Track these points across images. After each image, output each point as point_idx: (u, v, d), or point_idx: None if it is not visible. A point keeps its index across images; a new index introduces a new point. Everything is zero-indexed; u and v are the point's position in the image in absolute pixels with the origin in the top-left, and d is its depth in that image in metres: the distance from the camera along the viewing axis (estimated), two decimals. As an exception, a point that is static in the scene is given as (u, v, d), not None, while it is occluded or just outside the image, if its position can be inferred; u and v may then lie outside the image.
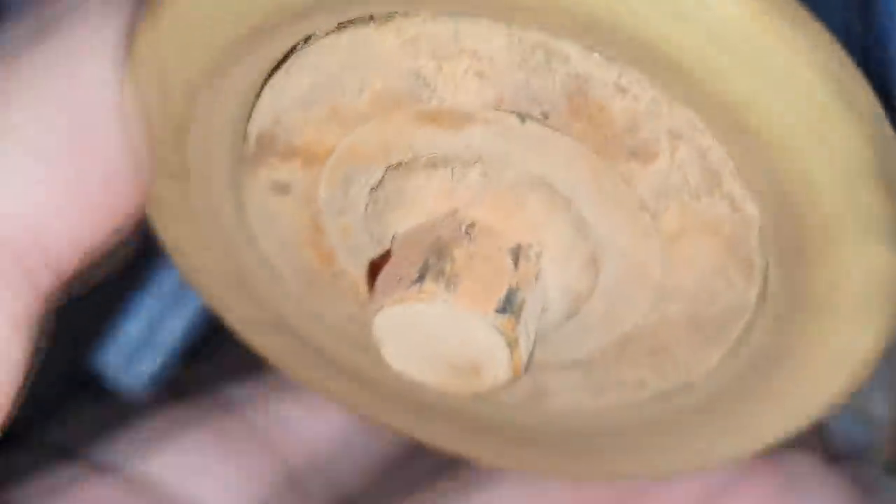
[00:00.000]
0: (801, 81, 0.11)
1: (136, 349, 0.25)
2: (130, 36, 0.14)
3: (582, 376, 0.16)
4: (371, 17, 0.13)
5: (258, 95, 0.14)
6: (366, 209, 0.14)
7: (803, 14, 0.11)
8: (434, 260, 0.13)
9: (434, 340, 0.13)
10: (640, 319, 0.14)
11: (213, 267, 0.16)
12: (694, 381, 0.15)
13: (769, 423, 0.15)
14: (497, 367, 0.13)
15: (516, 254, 0.13)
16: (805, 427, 0.15)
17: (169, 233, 0.16)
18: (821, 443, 0.23)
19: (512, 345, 0.13)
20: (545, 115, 0.13)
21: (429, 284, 0.13)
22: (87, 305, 0.19)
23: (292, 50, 0.13)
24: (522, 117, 0.13)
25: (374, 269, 0.14)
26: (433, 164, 0.14)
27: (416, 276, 0.13)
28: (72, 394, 0.24)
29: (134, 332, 0.25)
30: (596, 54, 0.12)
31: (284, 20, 0.13)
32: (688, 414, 0.15)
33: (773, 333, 0.14)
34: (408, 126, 0.13)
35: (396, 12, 0.12)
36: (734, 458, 0.16)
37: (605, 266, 0.14)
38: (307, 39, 0.13)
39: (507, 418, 0.17)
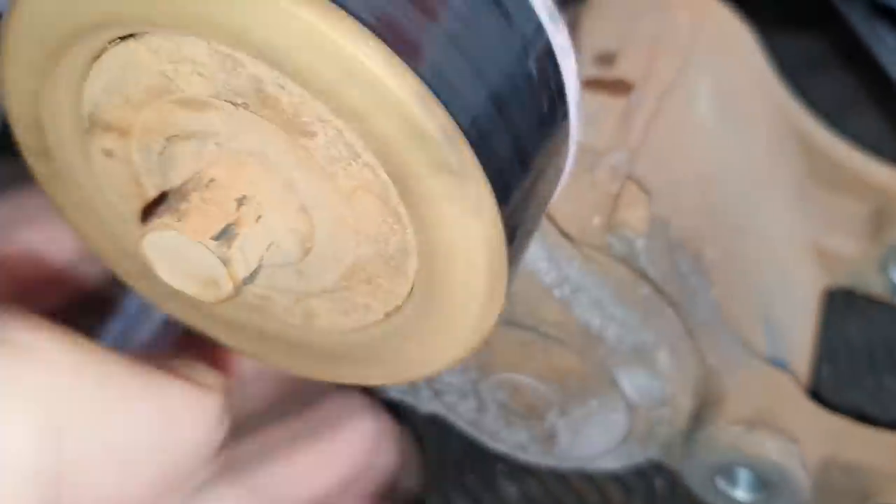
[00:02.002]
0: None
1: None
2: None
3: (331, 302, 0.20)
4: (132, 35, 0.17)
5: (82, 86, 0.19)
6: (158, 169, 0.19)
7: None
8: (175, 202, 0.18)
9: (181, 260, 0.18)
10: (352, 257, 0.19)
11: (81, 214, 0.22)
12: (400, 304, 0.19)
13: (444, 339, 0.20)
14: (222, 280, 0.18)
15: (240, 202, 0.18)
16: (467, 349, 0.20)
17: (53, 196, 0.22)
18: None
19: (227, 264, 0.17)
20: (246, 104, 0.17)
21: (167, 219, 0.17)
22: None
23: (99, 54, 0.18)
24: (235, 105, 0.17)
25: (147, 211, 0.20)
26: (189, 137, 0.18)
27: (161, 213, 0.18)
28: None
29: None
30: (260, 62, 0.16)
31: (79, 36, 0.17)
32: (403, 330, 0.20)
33: (430, 269, 0.18)
34: (172, 109, 0.18)
35: (146, 32, 0.17)
36: (444, 365, 0.20)
37: (316, 215, 0.18)
38: (103, 49, 0.18)
39: (290, 333, 0.21)
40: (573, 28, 0.35)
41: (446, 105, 0.16)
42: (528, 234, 0.20)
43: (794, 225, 0.37)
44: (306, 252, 0.19)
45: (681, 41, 0.34)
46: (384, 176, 0.17)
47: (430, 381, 0.31)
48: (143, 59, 0.17)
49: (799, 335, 0.36)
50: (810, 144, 0.38)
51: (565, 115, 0.19)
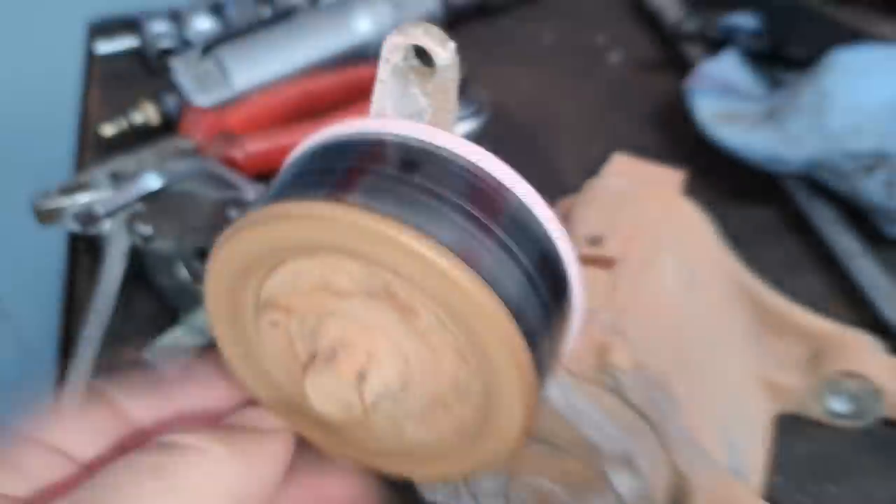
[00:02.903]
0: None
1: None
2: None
3: (416, 421, 0.29)
4: (305, 253, 0.27)
5: (264, 283, 0.28)
6: (309, 336, 0.28)
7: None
8: (329, 357, 0.27)
9: (330, 394, 0.27)
10: (434, 390, 0.28)
11: (251, 372, 0.31)
12: (465, 422, 0.28)
13: (495, 446, 0.28)
14: (356, 407, 0.27)
15: (368, 356, 0.27)
16: (511, 451, 0.28)
17: (227, 354, 0.31)
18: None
19: (361, 397, 0.27)
20: (377, 296, 0.26)
21: (321, 368, 0.27)
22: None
23: (280, 265, 0.27)
24: (371, 296, 0.27)
25: (307, 364, 0.28)
26: (335, 314, 0.27)
27: (320, 364, 0.27)
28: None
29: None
30: (390, 274, 0.26)
31: (270, 262, 0.27)
32: (464, 439, 0.29)
33: (487, 398, 0.27)
34: (325, 297, 0.27)
35: (316, 253, 0.26)
36: (490, 465, 0.29)
37: (413, 363, 0.27)
38: (285, 262, 0.27)
39: (385, 444, 0.30)
40: (567, 215, 0.46)
41: (498, 293, 0.26)
42: (550, 373, 0.29)
43: (747, 364, 0.47)
44: (405, 387, 0.29)
45: (653, 227, 0.45)
46: (462, 340, 0.26)
47: (469, 487, 0.40)
48: (312, 268, 0.27)
49: (754, 452, 0.45)
50: (758, 301, 0.48)
51: (570, 293, 0.29)
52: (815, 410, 0.47)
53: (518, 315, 0.26)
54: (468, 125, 0.65)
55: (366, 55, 0.69)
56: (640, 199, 0.46)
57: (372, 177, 0.26)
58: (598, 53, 0.78)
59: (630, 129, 0.68)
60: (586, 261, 0.42)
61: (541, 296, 0.27)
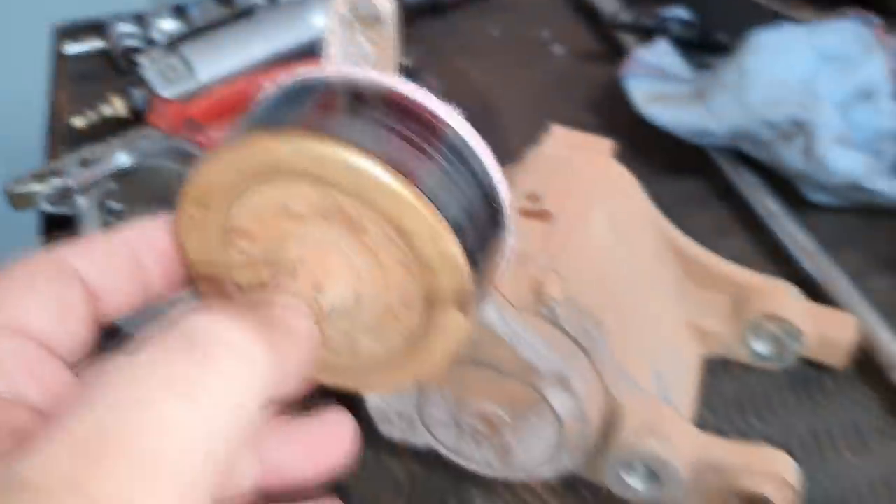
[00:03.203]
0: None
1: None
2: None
3: (369, 334, 0.32)
4: (265, 180, 0.29)
5: (230, 213, 0.31)
6: (272, 259, 0.31)
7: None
8: (291, 273, 0.30)
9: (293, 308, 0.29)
10: (385, 302, 0.31)
11: (215, 289, 0.33)
12: (412, 330, 0.31)
13: (440, 353, 0.32)
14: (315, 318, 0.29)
15: (325, 272, 0.30)
16: (453, 355, 0.32)
17: (197, 270, 0.33)
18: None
19: (319, 309, 0.29)
20: (331, 217, 0.29)
21: (282, 283, 0.30)
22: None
23: (244, 192, 0.30)
24: (325, 217, 0.29)
25: (273, 281, 0.31)
26: (293, 237, 0.30)
27: (283, 279, 0.30)
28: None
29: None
30: (340, 194, 0.29)
31: (237, 189, 0.30)
32: (415, 347, 0.32)
33: (430, 307, 0.30)
34: (285, 221, 0.30)
35: (274, 180, 0.29)
36: (436, 370, 0.33)
37: (365, 277, 0.30)
38: (249, 189, 0.30)
39: (341, 360, 0.33)
40: (510, 178, 0.50)
41: (439, 209, 0.30)
42: (486, 286, 0.33)
43: (674, 310, 0.51)
44: (358, 300, 0.32)
45: (586, 186, 0.49)
46: (407, 252, 0.30)
47: (423, 417, 0.44)
48: (272, 195, 0.30)
49: (683, 390, 0.49)
50: (684, 254, 0.53)
51: (505, 222, 0.33)
52: (739, 353, 0.52)
53: (456, 228, 0.30)
54: (420, 111, 0.69)
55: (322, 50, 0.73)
56: (575, 162, 0.50)
57: (322, 111, 0.30)
58: (542, 46, 0.83)
59: (573, 112, 0.73)
60: (525, 214, 0.46)
61: (477, 215, 0.31)
